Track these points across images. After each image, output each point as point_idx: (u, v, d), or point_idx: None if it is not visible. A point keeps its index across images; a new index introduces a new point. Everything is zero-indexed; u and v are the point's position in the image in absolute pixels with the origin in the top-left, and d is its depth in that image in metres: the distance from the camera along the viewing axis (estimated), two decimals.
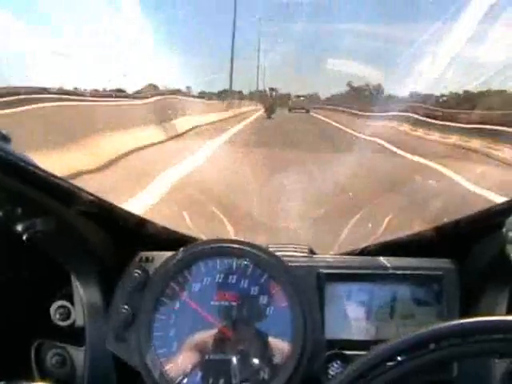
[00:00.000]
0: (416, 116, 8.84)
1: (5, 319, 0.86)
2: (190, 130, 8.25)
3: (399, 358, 0.54)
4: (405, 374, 0.54)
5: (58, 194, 0.78)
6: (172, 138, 7.22)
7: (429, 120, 8.80)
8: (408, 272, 0.90)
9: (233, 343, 0.86)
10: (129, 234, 0.94)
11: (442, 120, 8.59)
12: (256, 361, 0.85)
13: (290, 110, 14.83)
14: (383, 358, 0.55)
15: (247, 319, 0.87)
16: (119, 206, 0.92)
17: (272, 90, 13.88)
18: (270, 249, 0.93)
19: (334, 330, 0.89)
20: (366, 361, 0.55)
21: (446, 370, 0.85)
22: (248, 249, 0.89)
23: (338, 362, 0.87)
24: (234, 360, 0.85)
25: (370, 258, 0.94)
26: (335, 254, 1.00)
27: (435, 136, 8.40)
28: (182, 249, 0.90)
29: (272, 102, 13.56)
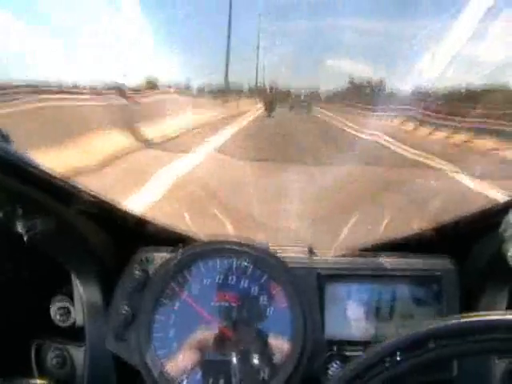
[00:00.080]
0: (418, 114, 8.83)
1: (5, 319, 0.86)
2: (190, 128, 8.24)
3: (397, 358, 0.54)
4: (402, 374, 0.54)
5: (57, 193, 0.78)
6: (171, 136, 7.20)
7: (431, 119, 8.79)
8: (407, 272, 0.90)
9: (233, 343, 0.86)
10: (129, 234, 0.94)
11: (444, 118, 8.58)
12: (256, 361, 0.85)
13: (290, 108, 14.72)
14: (380, 358, 0.54)
15: (247, 319, 0.87)
16: (119, 205, 0.92)
17: (272, 87, 13.83)
18: (270, 249, 0.93)
19: (333, 330, 0.89)
20: (363, 360, 0.55)
21: (446, 370, 0.85)
22: (248, 249, 0.89)
23: (338, 361, 0.87)
24: (234, 360, 0.85)
25: (369, 258, 0.94)
26: (335, 254, 1.00)
27: (437, 134, 8.39)
28: (181, 249, 0.90)
29: (272, 99, 13.50)
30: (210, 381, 0.84)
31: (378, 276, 0.91)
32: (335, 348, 0.88)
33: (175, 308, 0.88)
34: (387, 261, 0.92)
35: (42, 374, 0.94)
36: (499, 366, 0.87)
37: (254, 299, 0.88)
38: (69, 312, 0.94)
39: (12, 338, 0.90)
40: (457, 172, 4.98)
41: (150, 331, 0.86)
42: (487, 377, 0.87)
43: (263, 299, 0.88)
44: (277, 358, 0.84)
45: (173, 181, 4.39)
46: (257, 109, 13.62)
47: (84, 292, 0.92)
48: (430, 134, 8.56)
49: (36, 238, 0.78)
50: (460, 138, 7.69)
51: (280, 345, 0.85)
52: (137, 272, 0.90)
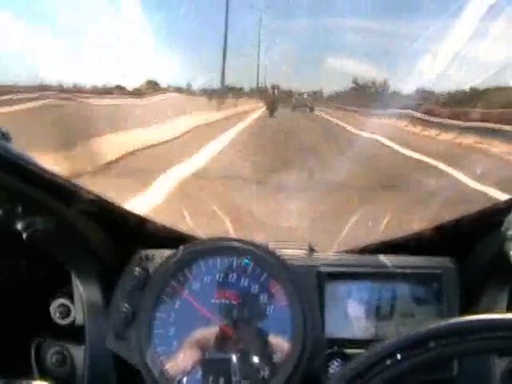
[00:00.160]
0: (420, 114, 8.82)
1: (5, 318, 0.86)
2: (191, 129, 8.24)
3: (397, 357, 0.54)
4: (403, 373, 0.54)
5: (57, 192, 0.78)
6: (172, 137, 7.21)
7: (433, 119, 8.78)
8: (408, 270, 0.90)
9: (233, 342, 0.86)
10: (129, 233, 0.94)
11: (446, 118, 8.57)
12: (256, 359, 0.85)
13: (293, 109, 14.60)
14: (381, 357, 0.54)
15: (247, 318, 0.87)
16: (119, 204, 0.92)
17: (274, 87, 13.77)
18: (270, 247, 0.93)
19: (333, 329, 0.89)
20: (364, 359, 0.55)
21: (446, 369, 0.85)
22: (248, 247, 0.89)
23: (338, 360, 0.87)
24: (234, 358, 0.85)
25: (370, 256, 0.94)
26: (335, 253, 1.00)
27: (439, 134, 8.39)
28: (182, 247, 0.90)
29: (274, 99, 13.45)
30: (210, 379, 0.84)
31: (379, 274, 0.90)
32: (335, 347, 0.88)
33: (175, 306, 0.88)
34: (387, 259, 0.92)
35: (42, 372, 0.94)
36: (499, 365, 0.87)
37: (255, 298, 0.88)
38: (69, 311, 0.94)
39: (12, 336, 0.90)
40: (458, 172, 4.97)
41: (150, 330, 0.86)
42: (487, 376, 0.87)
43: (263, 297, 0.87)
44: (277, 357, 0.84)
45: (174, 181, 4.39)
46: (259, 108, 13.58)
47: (84, 291, 0.92)
48: (432, 134, 8.56)
49: (35, 236, 0.78)
50: (462, 137, 7.68)
51: (280, 343, 0.85)
52: (137, 270, 0.90)
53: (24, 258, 0.90)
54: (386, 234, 1.09)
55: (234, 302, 0.88)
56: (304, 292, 0.87)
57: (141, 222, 0.97)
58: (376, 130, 7.52)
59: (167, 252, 0.91)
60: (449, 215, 0.94)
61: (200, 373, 0.84)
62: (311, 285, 0.90)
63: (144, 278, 0.90)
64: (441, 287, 0.89)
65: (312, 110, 14.87)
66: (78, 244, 0.88)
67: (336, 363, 0.87)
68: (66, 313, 0.94)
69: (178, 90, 9.53)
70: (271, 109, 12.86)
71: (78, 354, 0.93)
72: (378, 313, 0.89)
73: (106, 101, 7.12)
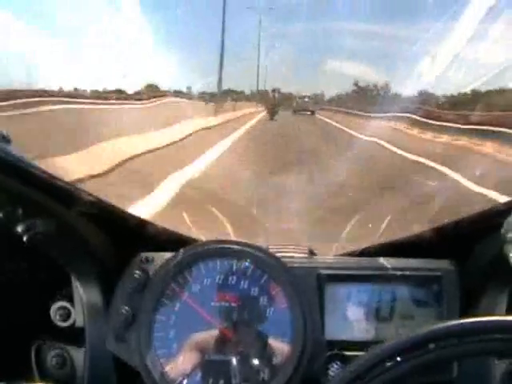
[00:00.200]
0: (420, 117, 8.83)
1: (5, 320, 0.86)
2: (191, 133, 8.23)
3: (397, 359, 0.54)
4: (403, 375, 0.54)
5: (58, 195, 0.78)
6: (171, 141, 7.20)
7: (433, 121, 8.78)
8: (408, 273, 0.90)
9: (233, 344, 0.86)
10: (129, 235, 0.94)
11: (446, 120, 8.58)
12: (256, 361, 0.85)
13: (294, 112, 14.51)
14: (381, 359, 0.55)
15: (247, 320, 0.87)
16: (119, 207, 0.93)
17: (274, 90, 13.75)
18: (270, 250, 0.93)
19: (333, 331, 0.89)
20: (364, 362, 0.55)
21: (446, 371, 0.85)
22: (248, 250, 0.89)
23: (338, 362, 0.87)
24: (234, 361, 0.85)
25: (369, 258, 0.94)
26: (335, 255, 1.00)
27: (439, 136, 8.39)
28: (182, 250, 0.90)
29: (274, 103, 13.43)
30: (210, 382, 0.84)
31: (378, 277, 0.90)
32: (335, 349, 0.88)
33: (175, 309, 0.88)
34: (387, 262, 0.92)
35: (43, 374, 0.94)
36: (499, 366, 0.87)
37: (254, 300, 0.88)
38: (69, 313, 0.94)
39: (12, 339, 0.90)
40: (458, 174, 4.98)
41: (150, 332, 0.86)
42: (487, 378, 0.87)
43: (263, 300, 0.87)
44: (277, 359, 0.84)
45: (174, 183, 4.39)
46: (259, 113, 13.55)
47: (84, 293, 0.92)
48: (431, 136, 8.56)
49: (36, 238, 0.78)
50: (462, 139, 7.68)
51: (280, 346, 0.85)
52: (137, 273, 0.90)
53: (24, 261, 0.90)
54: (385, 237, 1.09)
55: (233, 305, 0.88)
56: (304, 294, 0.87)
57: (141, 224, 0.97)
58: (377, 133, 7.52)
59: (167, 254, 0.91)
60: (448, 217, 0.94)
61: (200, 375, 0.84)
62: (311, 287, 0.90)
63: (144, 280, 0.90)
64: (441, 289, 0.89)
65: (313, 113, 14.79)
66: (78, 246, 0.89)
67: (336, 365, 0.87)
68: (66, 315, 0.94)
69: (177, 94, 9.52)
70: (271, 112, 12.85)
71: (78, 356, 0.93)
72: (377, 315, 0.90)
73: (101, 106, 7.13)
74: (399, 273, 0.90)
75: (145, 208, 3.44)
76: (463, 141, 7.67)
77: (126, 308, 0.89)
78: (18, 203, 0.76)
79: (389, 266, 0.91)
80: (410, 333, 0.57)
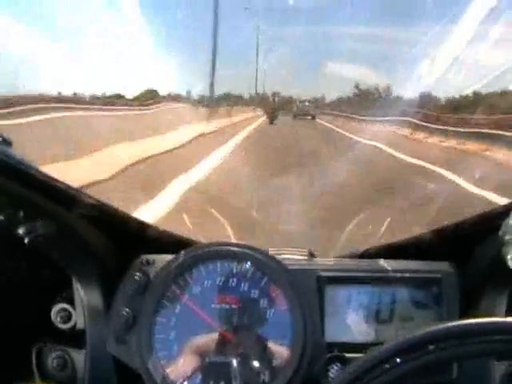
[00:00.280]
0: (420, 120, 8.82)
1: (6, 322, 0.86)
2: (191, 138, 8.22)
3: (396, 360, 0.54)
4: (402, 377, 0.54)
5: (58, 197, 0.79)
6: (172, 147, 7.19)
7: (433, 124, 8.78)
8: (407, 275, 0.90)
9: (233, 346, 0.86)
10: (130, 238, 0.94)
11: (445, 123, 8.58)
12: (256, 363, 0.85)
13: (294, 117, 14.39)
14: (380, 361, 0.55)
15: (247, 322, 0.87)
16: (120, 209, 0.93)
17: (274, 94, 13.71)
18: (271, 252, 0.93)
19: (333, 333, 0.89)
20: (362, 363, 0.55)
21: (446, 372, 0.85)
22: (248, 252, 0.90)
23: (338, 364, 0.87)
24: (235, 363, 0.85)
25: (369, 260, 0.95)
26: (335, 257, 1.01)
27: (439, 139, 8.39)
28: (182, 252, 0.90)
29: (274, 107, 13.40)
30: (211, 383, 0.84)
31: (378, 279, 0.91)
32: (335, 351, 0.88)
33: (176, 311, 0.88)
34: (387, 264, 0.92)
35: (43, 377, 0.94)
36: (499, 368, 0.87)
37: (255, 302, 0.88)
38: (70, 315, 0.94)
39: (13, 341, 0.90)
40: (458, 176, 4.98)
41: (150, 334, 0.86)
42: (487, 379, 0.87)
43: (263, 302, 0.88)
44: (277, 361, 0.85)
45: (175, 188, 4.39)
46: (259, 117, 13.51)
47: (85, 295, 0.92)
48: (431, 139, 8.56)
49: (37, 241, 0.79)
50: (461, 142, 7.68)
51: (280, 348, 0.85)
52: (138, 275, 0.90)
53: (25, 262, 0.90)
54: (385, 239, 1.10)
55: (234, 307, 0.88)
56: (304, 296, 0.87)
57: (141, 226, 0.97)
58: (377, 138, 7.52)
59: (168, 257, 0.91)
60: (448, 220, 0.94)
61: (200, 377, 0.85)
62: (311, 289, 0.90)
63: (145, 282, 0.90)
64: (440, 291, 0.89)
65: (314, 117, 14.66)
66: (78, 249, 0.89)
67: (336, 367, 0.87)
68: (67, 317, 0.94)
69: (176, 99, 9.51)
70: (271, 117, 12.82)
71: (79, 358, 0.94)
72: (377, 317, 0.90)
73: (99, 113, 7.14)
74: (399, 275, 0.90)
75: (146, 211, 3.45)
76: (463, 144, 7.68)
77: (127, 310, 0.89)
78: (18, 206, 0.76)
79: (389, 268, 0.91)
80: (410, 334, 0.57)
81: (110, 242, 0.92)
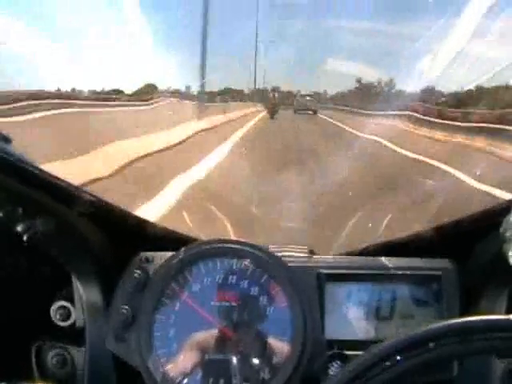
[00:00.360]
0: (421, 115, 8.79)
1: (5, 319, 0.86)
2: (189, 134, 8.20)
3: (397, 358, 0.54)
4: (402, 374, 0.54)
5: (58, 194, 0.78)
6: (171, 144, 7.17)
7: (434, 119, 8.76)
8: (408, 272, 0.90)
9: (233, 343, 0.86)
10: (129, 235, 0.94)
11: (447, 118, 8.56)
12: (256, 361, 0.85)
13: (295, 112, 14.28)
14: (380, 358, 0.54)
15: (247, 319, 0.87)
16: (119, 206, 0.93)
17: (274, 90, 13.66)
18: (271, 249, 0.93)
19: (333, 330, 0.89)
20: (362, 361, 0.55)
21: (446, 370, 0.85)
22: (248, 249, 0.89)
23: (338, 361, 0.87)
24: (234, 360, 0.85)
25: (369, 258, 0.94)
26: (335, 255, 1.00)
27: (440, 135, 8.37)
28: (182, 249, 0.90)
29: (274, 102, 13.36)
30: (210, 381, 0.84)
31: (378, 276, 0.91)
32: (335, 348, 0.88)
33: (175, 308, 0.88)
34: (387, 261, 0.92)
35: (43, 374, 0.94)
36: (499, 365, 0.87)
37: (254, 299, 0.88)
38: (69, 313, 0.94)
39: (13, 338, 0.90)
40: (460, 172, 4.97)
41: (150, 332, 0.86)
42: (487, 377, 0.87)
43: (263, 299, 0.88)
44: (277, 359, 0.85)
45: (175, 184, 4.39)
46: (259, 112, 13.45)
47: (84, 292, 0.92)
48: (432, 134, 8.54)
49: (36, 238, 0.78)
50: (463, 137, 7.67)
51: (280, 345, 0.85)
52: (137, 272, 0.90)
53: (24, 260, 0.90)
54: (385, 236, 1.09)
55: (233, 304, 0.88)
56: (304, 294, 0.87)
57: (141, 224, 0.97)
58: (382, 132, 7.49)
59: (167, 254, 0.91)
60: (450, 216, 0.94)
61: (200, 374, 0.85)
62: (311, 286, 0.90)
63: (144, 280, 0.90)
64: (440, 288, 0.89)
65: (315, 112, 14.54)
66: (78, 246, 0.89)
67: (336, 365, 0.87)
68: (67, 315, 0.94)
69: (175, 94, 9.48)
70: (272, 112, 12.78)
71: (79, 355, 0.93)
72: (377, 314, 0.90)
73: (99, 109, 7.13)
74: (399, 272, 0.90)
75: (145, 208, 3.45)
76: (465, 139, 7.66)
77: (126, 308, 0.89)
78: (18, 203, 0.76)
79: (389, 266, 0.91)
80: (410, 332, 0.56)
81: (109, 240, 0.92)
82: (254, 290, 0.88)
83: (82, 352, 0.93)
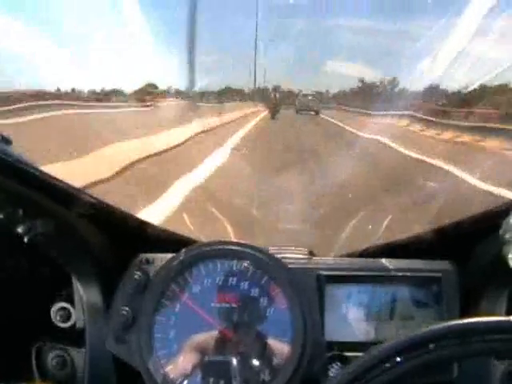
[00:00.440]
0: (423, 115, 8.78)
1: (6, 321, 0.86)
2: (191, 136, 8.18)
3: (396, 359, 0.54)
4: (402, 376, 0.54)
5: (58, 196, 0.79)
6: (172, 145, 7.16)
7: (435, 118, 8.74)
8: (408, 274, 0.90)
9: (233, 345, 0.86)
10: (129, 236, 0.94)
11: (448, 118, 8.54)
12: (256, 362, 0.85)
13: (297, 112, 14.16)
14: (379, 360, 0.54)
15: (247, 321, 0.87)
16: (119, 208, 0.93)
17: (275, 89, 13.59)
18: (271, 251, 0.93)
19: (333, 332, 0.89)
20: (362, 362, 0.55)
21: (446, 371, 0.85)
22: (248, 251, 0.89)
23: (338, 363, 0.87)
24: (234, 361, 0.85)
25: (369, 259, 0.94)
26: (335, 256, 1.00)
27: (441, 135, 8.35)
28: (182, 250, 0.90)
29: (275, 102, 13.30)
30: (211, 382, 0.84)
31: (379, 277, 0.91)
32: (335, 349, 0.88)
33: (176, 310, 0.88)
34: (387, 262, 0.92)
35: (43, 376, 0.94)
36: (499, 367, 0.87)
37: (254, 301, 0.88)
38: (69, 314, 0.94)
39: (13, 340, 0.90)
40: (463, 172, 4.95)
41: (150, 333, 0.86)
42: (487, 378, 0.87)
43: (263, 301, 0.88)
44: (277, 360, 0.85)
45: (176, 186, 4.39)
46: (260, 112, 13.39)
47: (84, 294, 0.92)
48: (433, 134, 8.53)
49: (36, 239, 0.78)
50: (466, 137, 7.65)
51: (280, 346, 0.85)
52: (137, 274, 0.90)
53: (25, 262, 0.90)
54: (386, 238, 1.09)
55: (234, 305, 0.88)
56: (304, 295, 0.87)
57: (141, 225, 0.97)
58: (379, 132, 7.47)
59: (167, 256, 0.91)
60: (451, 217, 0.94)
61: (200, 376, 0.85)
62: (311, 288, 0.90)
63: (144, 281, 0.90)
64: (440, 290, 0.89)
65: (317, 113, 14.39)
66: (78, 247, 0.89)
67: (336, 366, 0.87)
68: (67, 316, 0.94)
69: (176, 94, 9.47)
70: (273, 112, 12.73)
71: (79, 357, 0.94)
72: (377, 316, 0.90)
73: (99, 110, 7.12)
74: (399, 274, 0.90)
75: (145, 210, 3.44)
76: (467, 138, 7.64)
77: (127, 309, 0.89)
78: (18, 204, 0.76)
79: (389, 267, 0.91)
80: (410, 333, 0.56)
81: (109, 241, 0.92)
82: (254, 292, 0.88)
83: (82, 353, 0.93)
